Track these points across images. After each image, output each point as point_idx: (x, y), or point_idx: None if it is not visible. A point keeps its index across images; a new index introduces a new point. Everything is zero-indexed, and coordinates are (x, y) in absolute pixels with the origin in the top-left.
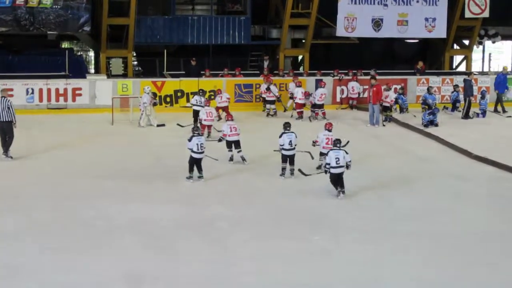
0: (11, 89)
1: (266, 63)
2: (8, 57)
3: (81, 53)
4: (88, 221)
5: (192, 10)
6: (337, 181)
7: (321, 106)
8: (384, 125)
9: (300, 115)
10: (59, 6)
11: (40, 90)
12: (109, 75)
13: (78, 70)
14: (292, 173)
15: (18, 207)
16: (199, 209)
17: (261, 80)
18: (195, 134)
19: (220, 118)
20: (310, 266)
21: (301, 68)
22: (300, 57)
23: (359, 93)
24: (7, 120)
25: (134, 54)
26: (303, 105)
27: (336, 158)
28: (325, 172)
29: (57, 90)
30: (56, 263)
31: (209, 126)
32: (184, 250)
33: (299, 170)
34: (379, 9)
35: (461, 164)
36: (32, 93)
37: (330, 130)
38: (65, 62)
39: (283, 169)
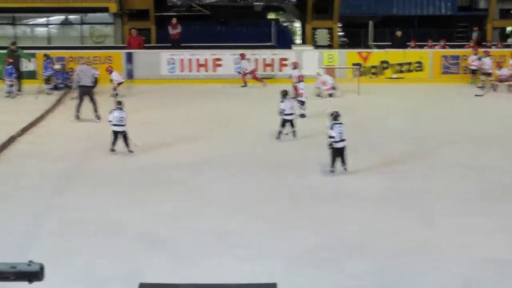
0: (220, 59)
1: (475, 35)
2: (216, 28)
3: (287, 23)
4: (293, 190)
5: None
6: (338, 156)
7: None
8: None
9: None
10: None
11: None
12: (315, 46)
13: (284, 40)
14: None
15: (227, 175)
16: (404, 181)
17: (469, 51)
18: (116, 108)
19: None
20: None
21: (509, 40)
22: (508, 29)
23: None
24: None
25: (340, 25)
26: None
27: (339, 133)
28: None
29: (264, 60)
30: (262, 231)
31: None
32: (387, 222)
33: None
34: None
35: None
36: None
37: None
38: (271, 33)
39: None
